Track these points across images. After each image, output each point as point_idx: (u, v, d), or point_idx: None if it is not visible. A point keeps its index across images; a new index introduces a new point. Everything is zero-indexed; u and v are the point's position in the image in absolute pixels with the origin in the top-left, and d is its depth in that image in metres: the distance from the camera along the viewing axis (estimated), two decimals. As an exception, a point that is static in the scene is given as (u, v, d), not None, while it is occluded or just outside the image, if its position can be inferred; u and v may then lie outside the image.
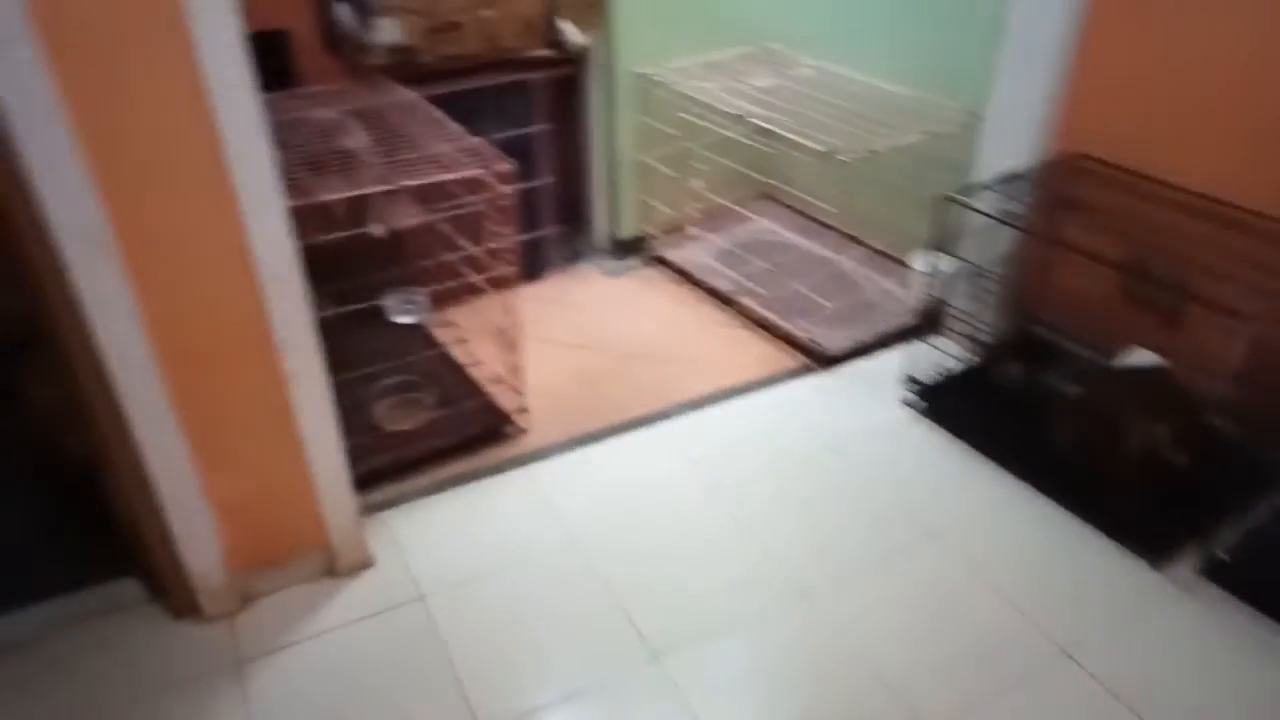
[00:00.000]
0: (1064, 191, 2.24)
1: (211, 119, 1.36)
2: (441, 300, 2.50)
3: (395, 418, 2.21)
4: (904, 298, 2.67)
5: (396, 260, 2.29)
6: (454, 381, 2.33)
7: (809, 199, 2.77)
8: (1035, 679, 1.65)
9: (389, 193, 1.97)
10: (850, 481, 2.09)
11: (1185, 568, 1.86)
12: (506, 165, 1.95)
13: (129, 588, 1.77)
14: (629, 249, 2.95)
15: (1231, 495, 1.93)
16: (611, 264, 2.94)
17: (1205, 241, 2.02)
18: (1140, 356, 2.11)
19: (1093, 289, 2.24)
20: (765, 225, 3.04)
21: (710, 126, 2.69)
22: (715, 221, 2.99)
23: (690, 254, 2.88)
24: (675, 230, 2.94)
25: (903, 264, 2.75)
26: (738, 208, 2.94)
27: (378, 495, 2.01)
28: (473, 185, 2.04)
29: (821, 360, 2.46)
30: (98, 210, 1.33)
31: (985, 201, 2.14)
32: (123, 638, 1.68)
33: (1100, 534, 1.95)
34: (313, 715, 1.57)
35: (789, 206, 3.09)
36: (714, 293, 2.75)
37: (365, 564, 1.84)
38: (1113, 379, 2.09)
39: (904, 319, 2.58)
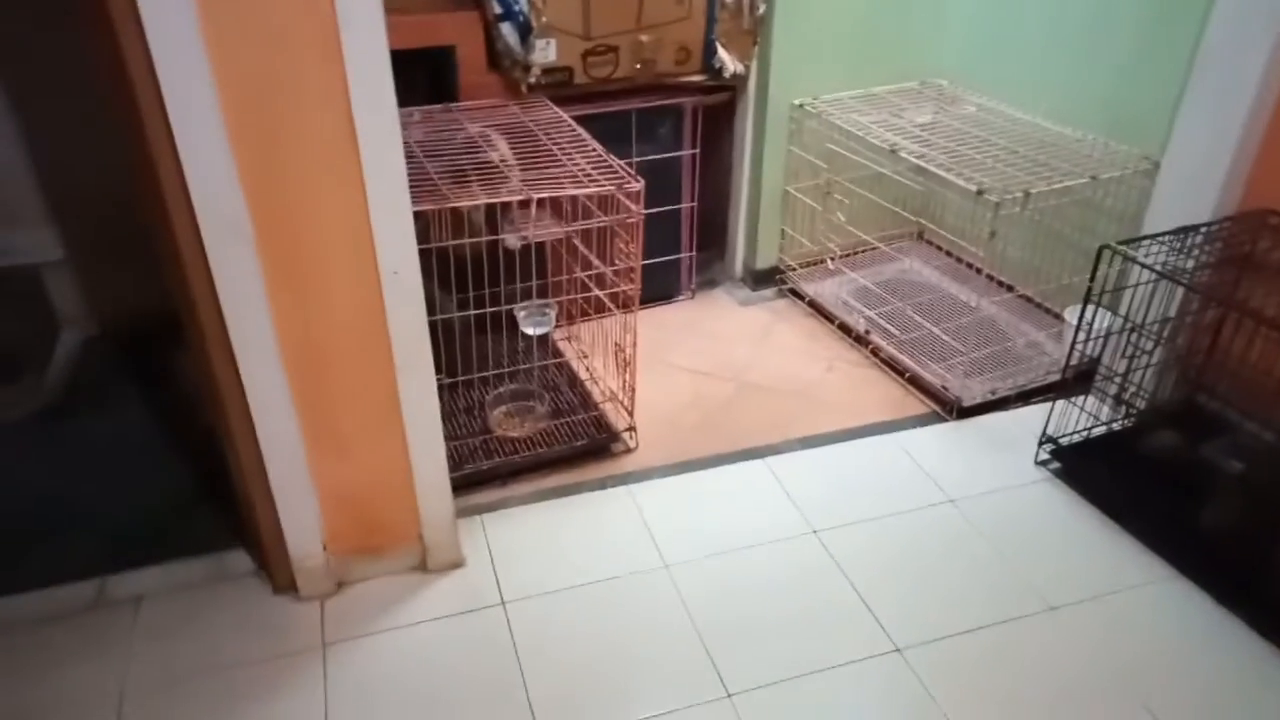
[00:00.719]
0: (1246, 250, 2.02)
1: (352, 124, 1.42)
2: (569, 314, 2.53)
3: (508, 424, 2.24)
4: (1051, 351, 2.48)
5: (529, 271, 2.34)
6: (569, 394, 2.36)
7: (958, 240, 2.63)
8: (1152, 787, 1.47)
9: (525, 205, 2.02)
10: (966, 539, 1.95)
11: (1355, 686, 1.62)
12: (637, 184, 1.96)
13: (239, 558, 1.88)
14: (764, 279, 2.89)
15: None
16: (745, 293, 2.90)
17: None
18: (1321, 440, 1.87)
19: (1270, 358, 2.00)
20: (909, 264, 2.92)
21: (861, 160, 2.61)
22: (856, 258, 2.89)
23: (827, 288, 2.80)
24: (814, 264, 2.86)
25: (1054, 315, 2.56)
26: (882, 245, 2.83)
27: (479, 498, 2.04)
28: (606, 203, 2.06)
29: (953, 409, 2.31)
30: (239, 199, 1.42)
31: (1153, 255, 1.96)
32: (225, 605, 1.78)
33: (1254, 632, 1.72)
34: (384, 704, 1.60)
35: (937, 247, 2.95)
36: (846, 329, 2.65)
37: (456, 563, 1.87)
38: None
39: (1048, 373, 2.39)
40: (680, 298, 2.86)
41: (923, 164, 2.32)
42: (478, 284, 2.20)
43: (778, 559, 1.90)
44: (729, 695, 1.62)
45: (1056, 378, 2.36)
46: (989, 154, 2.34)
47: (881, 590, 1.83)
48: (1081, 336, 2.04)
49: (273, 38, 1.34)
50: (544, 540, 1.95)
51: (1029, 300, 2.61)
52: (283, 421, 1.61)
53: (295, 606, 1.77)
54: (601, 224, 2.08)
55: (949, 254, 2.89)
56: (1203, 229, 2.00)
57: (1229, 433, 2.06)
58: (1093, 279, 1.95)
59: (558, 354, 2.49)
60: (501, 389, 2.31)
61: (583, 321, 2.57)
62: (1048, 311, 2.60)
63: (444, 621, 1.75)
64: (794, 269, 2.85)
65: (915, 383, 2.43)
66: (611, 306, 2.18)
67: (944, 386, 2.35)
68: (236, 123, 1.37)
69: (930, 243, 2.99)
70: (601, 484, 2.12)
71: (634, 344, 2.12)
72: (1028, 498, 2.06)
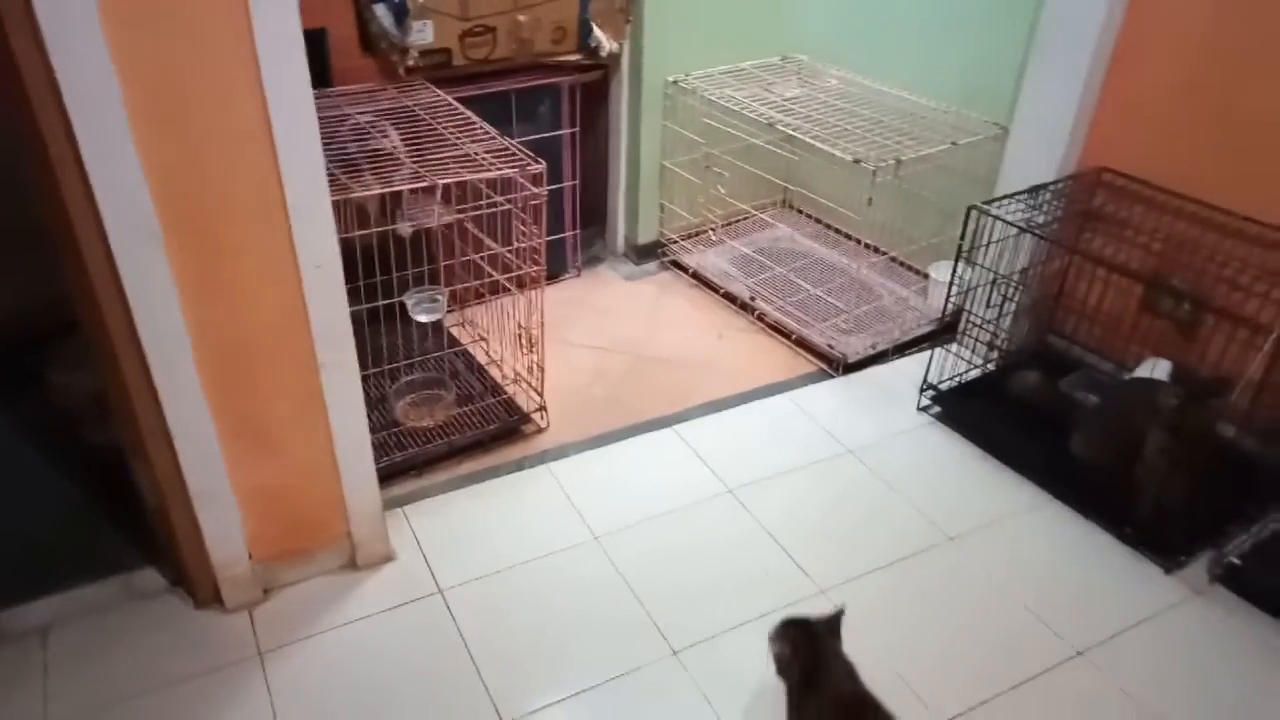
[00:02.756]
0: (1087, 205, 2.26)
1: (265, 110, 1.37)
2: (461, 299, 2.52)
3: (415, 414, 2.22)
4: (920, 306, 2.69)
5: (420, 259, 2.31)
6: (473, 380, 2.35)
7: (831, 205, 2.78)
8: (1051, 680, 1.66)
9: (417, 192, 2.00)
10: (867, 485, 2.10)
11: (1198, 573, 1.88)
12: (539, 166, 1.97)
13: (150, 577, 1.78)
14: (647, 253, 2.96)
15: (1244, 503, 1.93)
16: (629, 268, 2.96)
17: (1226, 255, 2.04)
18: (1158, 367, 2.13)
19: (1112, 301, 2.25)
20: (783, 232, 3.06)
21: (736, 134, 2.71)
22: (734, 228, 3.01)
23: (708, 259, 2.90)
24: (694, 235, 2.96)
25: (920, 273, 2.76)
26: (757, 213, 2.96)
27: (396, 490, 2.02)
28: (502, 185, 2.06)
29: (839, 365, 2.47)
30: (146, 195, 1.34)
31: (1010, 212, 2.16)
32: (143, 626, 1.69)
33: (1115, 540, 1.96)
34: (336, 705, 1.57)
35: (806, 214, 3.11)
36: (731, 298, 2.76)
37: (386, 557, 1.85)
38: (1130, 389, 2.10)
39: (921, 327, 2.59)
40: (567, 276, 2.88)
41: (800, 136, 2.45)
42: (368, 274, 2.15)
43: (700, 519, 1.99)
44: (674, 653, 1.70)
45: (927, 330, 2.56)
46: (856, 124, 2.50)
47: (798, 538, 1.94)
48: (955, 289, 2.22)
49: (178, 18, 1.27)
50: (471, 525, 1.95)
51: (894, 260, 2.80)
52: (200, 425, 1.54)
53: (222, 619, 1.71)
54: (505, 207, 2.08)
55: (819, 221, 3.06)
56: (1050, 187, 2.22)
57: (1082, 368, 2.30)
58: (963, 236, 2.13)
59: (452, 340, 2.47)
60: (404, 379, 2.27)
61: (475, 305, 2.56)
62: (912, 270, 2.80)
63: (384, 616, 1.74)
64: (675, 241, 2.94)
65: (802, 344, 2.57)
66: (512, 288, 2.19)
67: (829, 345, 2.50)
68: (141, 113, 1.30)
69: (797, 209, 3.14)
70: (518, 465, 2.14)
71: (541, 324, 2.14)
72: (916, 441, 2.24)
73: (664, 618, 1.76)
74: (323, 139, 1.98)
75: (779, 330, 2.63)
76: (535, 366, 2.22)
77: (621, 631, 1.73)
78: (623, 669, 1.66)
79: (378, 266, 2.17)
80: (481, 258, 2.28)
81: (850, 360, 2.47)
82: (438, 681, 1.62)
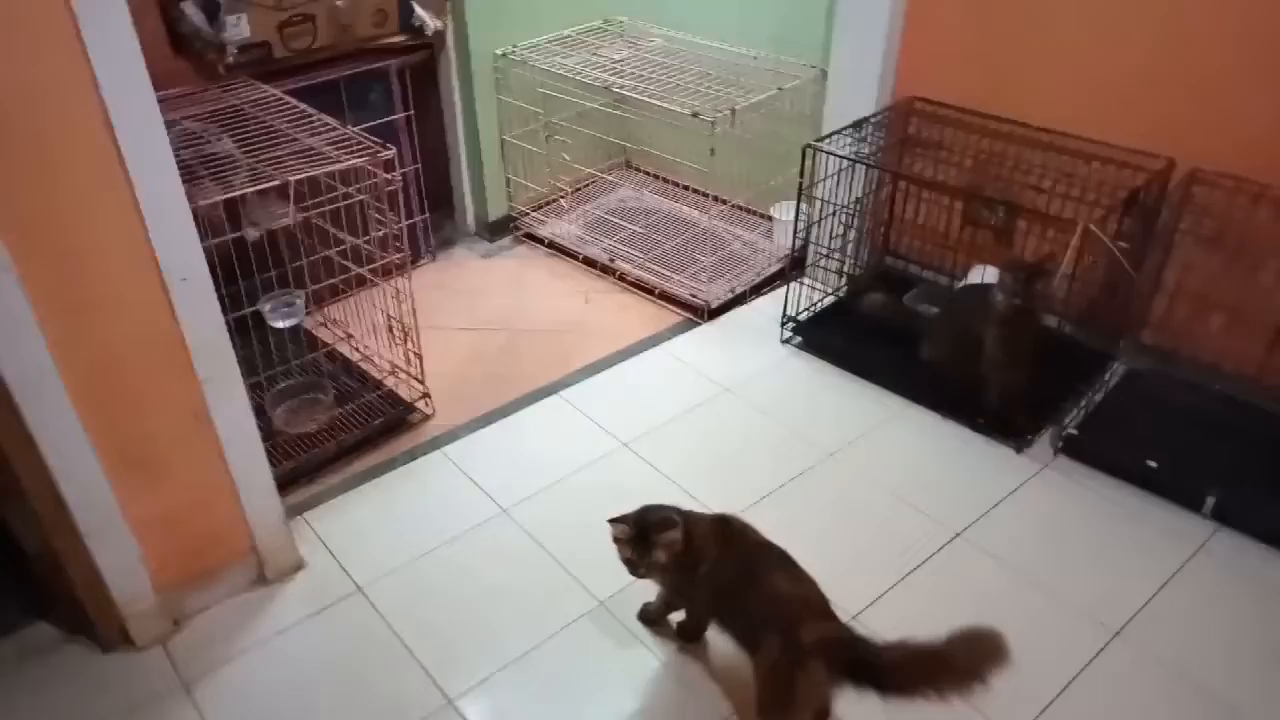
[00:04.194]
0: (904, 133, 2.45)
1: (106, 115, 1.31)
2: (320, 298, 2.46)
3: (295, 421, 2.17)
4: (767, 247, 2.84)
5: (271, 263, 2.24)
6: (348, 377, 2.31)
7: (672, 159, 2.88)
8: (938, 561, 1.84)
9: (262, 194, 1.94)
10: (747, 419, 2.23)
11: (1044, 448, 2.12)
12: (389, 152, 1.96)
13: (43, 630, 1.69)
14: (499, 229, 2.98)
15: (1072, 382, 2.20)
16: (484, 245, 2.96)
17: (1028, 164, 2.27)
18: (985, 273, 2.35)
19: (938, 218, 2.47)
20: (627, 193, 3.14)
21: (572, 100, 2.75)
22: (581, 193, 3.06)
23: (560, 227, 2.94)
24: (542, 206, 2.99)
25: (762, 216, 2.91)
26: (602, 175, 3.02)
27: (292, 498, 1.98)
28: (350, 176, 2.02)
29: (703, 313, 2.58)
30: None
31: (838, 148, 2.31)
32: (54, 680, 1.60)
33: (971, 431, 2.18)
34: (280, 717, 1.55)
35: (648, 172, 3.20)
36: (591, 262, 2.82)
37: (296, 566, 1.82)
38: (965, 295, 2.31)
39: (772, 266, 2.74)
40: (422, 262, 2.86)
41: (636, 96, 2.52)
42: (220, 285, 2.08)
43: (601, 476, 2.06)
44: (601, 603, 1.77)
45: (778, 268, 2.71)
46: (685, 80, 2.59)
47: (694, 478, 2.05)
48: (800, 225, 2.36)
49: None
50: (377, 521, 1.94)
51: (737, 207, 2.93)
52: (82, 461, 1.47)
53: (137, 658, 1.64)
54: (358, 198, 2.05)
55: (658, 176, 3.15)
56: (871, 120, 2.39)
57: (921, 283, 2.51)
58: (802, 175, 2.27)
59: (321, 342, 2.41)
60: (277, 388, 2.21)
61: (334, 302, 2.50)
62: (755, 214, 2.95)
63: (307, 623, 1.72)
64: (526, 214, 2.96)
65: (665, 297, 2.66)
66: (377, 280, 2.16)
67: (692, 295, 2.61)
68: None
69: (638, 169, 3.23)
70: (411, 455, 2.13)
71: (413, 310, 2.13)
72: (785, 371, 2.39)
73: (584, 573, 1.82)
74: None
75: (642, 287, 2.71)
76: (412, 355, 2.21)
77: (547, 593, 1.79)
78: (555, 627, 1.72)
79: (230, 275, 2.08)
80: (339, 252, 2.24)
81: (713, 306, 2.59)
82: (376, 674, 1.63)
